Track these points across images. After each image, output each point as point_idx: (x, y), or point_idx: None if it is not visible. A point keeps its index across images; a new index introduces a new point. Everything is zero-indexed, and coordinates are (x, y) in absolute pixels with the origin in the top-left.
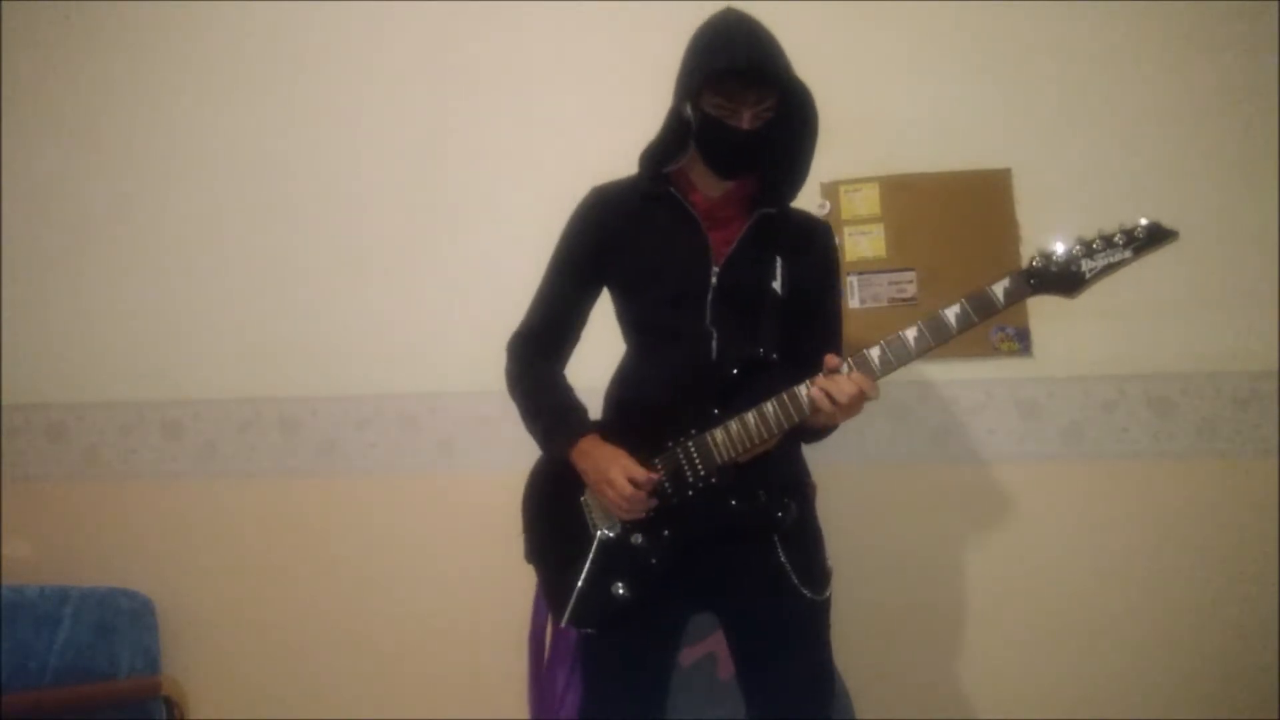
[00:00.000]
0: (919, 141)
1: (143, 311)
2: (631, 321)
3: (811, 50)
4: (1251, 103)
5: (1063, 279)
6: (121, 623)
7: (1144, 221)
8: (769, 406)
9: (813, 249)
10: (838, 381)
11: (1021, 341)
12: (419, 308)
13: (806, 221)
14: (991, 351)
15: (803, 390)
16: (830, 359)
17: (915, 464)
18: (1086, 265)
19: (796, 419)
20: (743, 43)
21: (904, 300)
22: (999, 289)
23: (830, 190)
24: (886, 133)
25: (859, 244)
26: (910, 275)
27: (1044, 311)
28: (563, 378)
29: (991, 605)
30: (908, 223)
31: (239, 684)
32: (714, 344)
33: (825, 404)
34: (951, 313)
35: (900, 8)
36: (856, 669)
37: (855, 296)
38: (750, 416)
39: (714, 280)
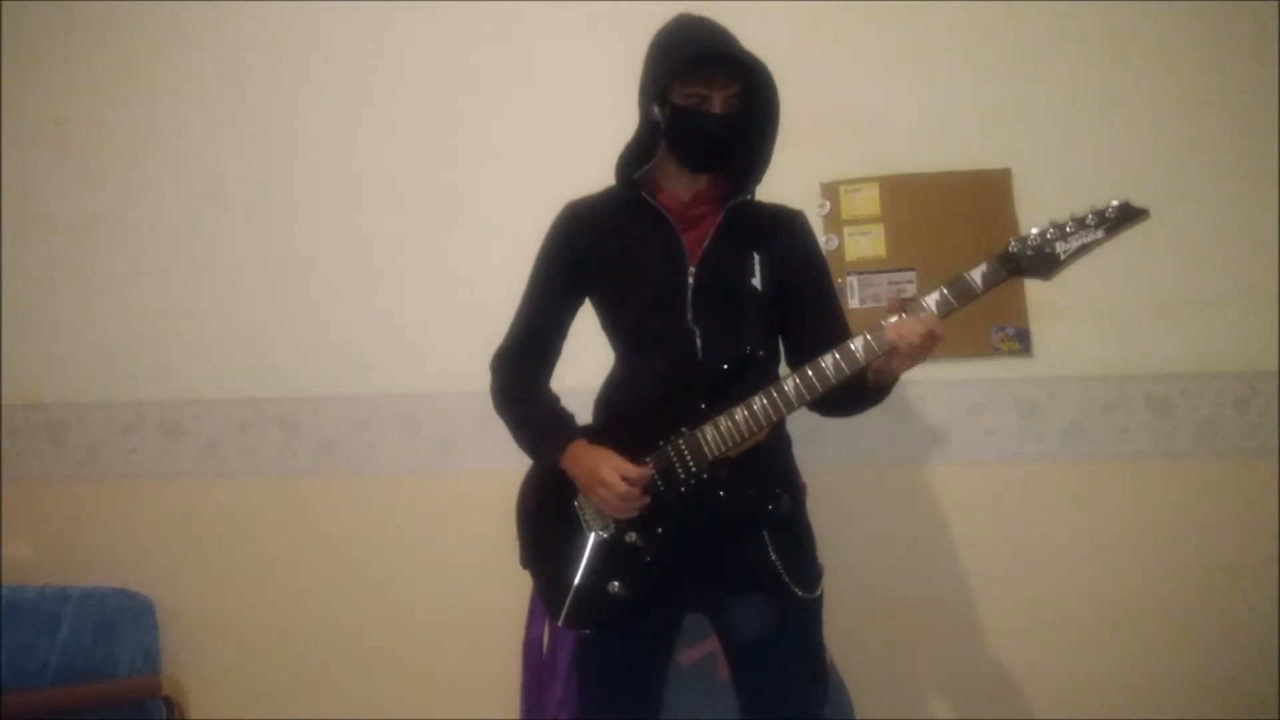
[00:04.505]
0: (919, 141)
1: (143, 311)
2: (615, 329)
3: (812, 50)
4: (1252, 102)
5: (1038, 261)
6: (121, 623)
7: (1115, 201)
8: (757, 401)
9: (786, 238)
10: (905, 323)
11: (1021, 341)
12: (419, 308)
13: (777, 213)
14: (991, 351)
15: (858, 343)
16: (893, 300)
17: (915, 464)
18: (1061, 247)
19: (785, 411)
20: (705, 33)
21: (905, 300)
22: (976, 274)
23: (830, 190)
24: (887, 133)
25: (859, 244)
26: (910, 275)
27: (1044, 311)
28: (547, 389)
29: (991, 605)
30: (908, 223)
31: (239, 684)
32: (698, 342)
33: (904, 345)
34: (932, 300)
35: (900, 7)
36: (856, 668)
37: (855, 296)
38: (739, 411)
39: (691, 279)
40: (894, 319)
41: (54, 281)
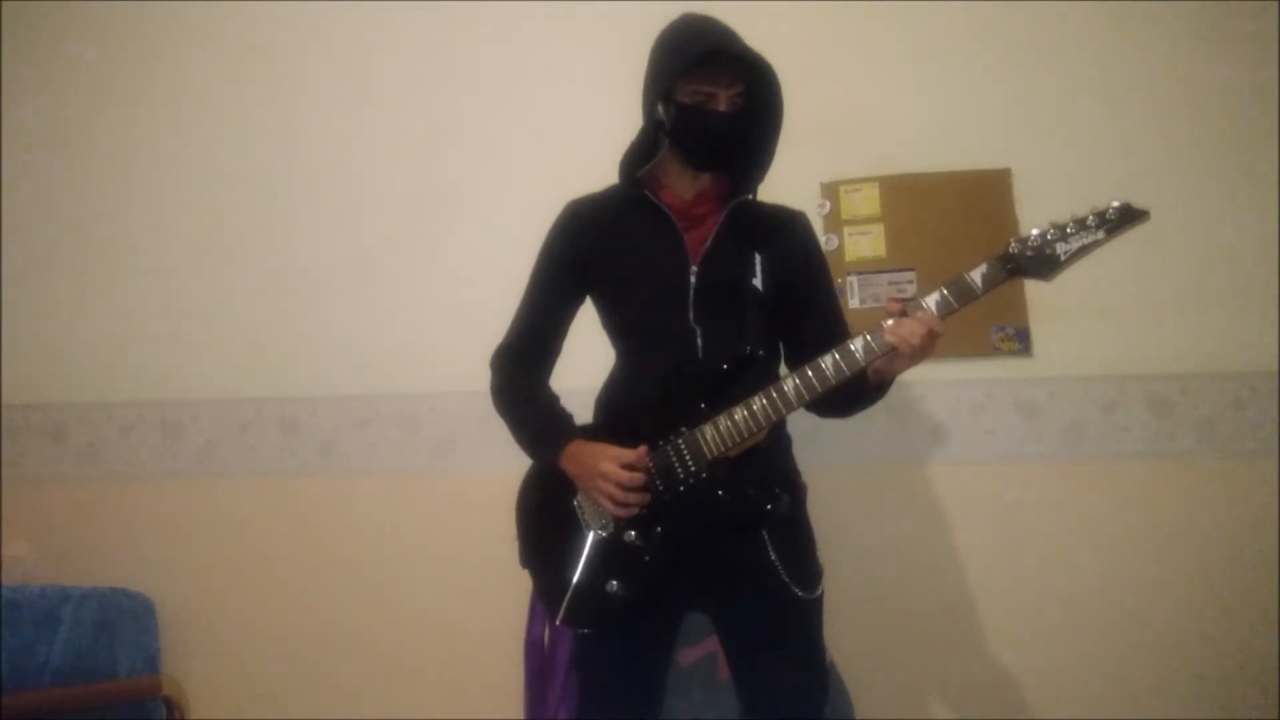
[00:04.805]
0: (919, 141)
1: (143, 311)
2: (616, 327)
3: (812, 50)
4: (1251, 102)
5: (1038, 262)
6: (121, 623)
7: (1115, 203)
8: (756, 401)
9: (788, 238)
10: (905, 324)
11: (1021, 341)
12: (419, 308)
13: (778, 213)
14: (991, 351)
15: (857, 344)
16: (892, 303)
17: (915, 464)
18: (1061, 248)
19: (784, 411)
20: (711, 31)
21: (904, 300)
22: (977, 275)
23: (830, 190)
24: (886, 133)
25: (859, 244)
26: (910, 275)
27: (1044, 311)
28: (547, 388)
29: (992, 605)
30: (908, 223)
31: (239, 684)
32: (699, 342)
33: (905, 347)
34: (931, 300)
35: (901, 8)
36: (857, 668)
37: (855, 296)
38: (739, 411)
39: (693, 279)
40: (893, 321)
41: (54, 281)
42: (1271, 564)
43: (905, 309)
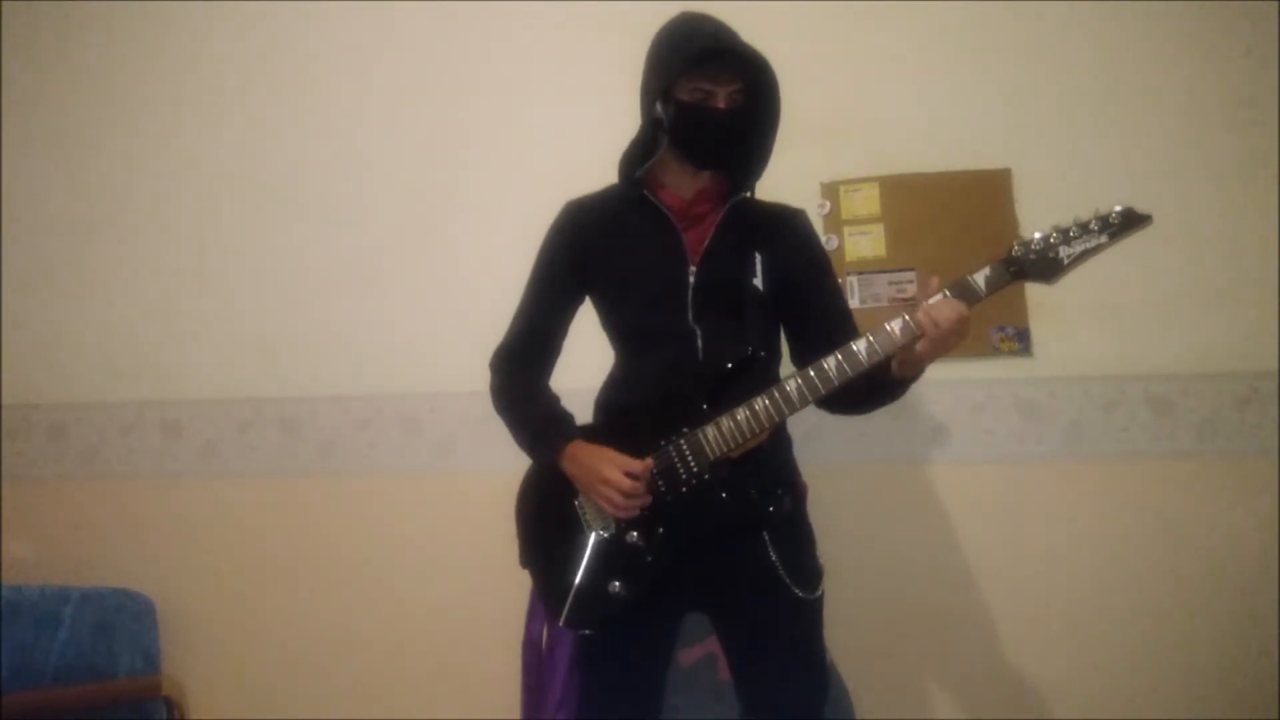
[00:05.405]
0: (919, 141)
1: (143, 311)
2: (616, 327)
3: (812, 51)
4: (1252, 102)
5: (1041, 266)
6: (121, 623)
7: (1118, 207)
8: (759, 401)
9: (789, 237)
10: (939, 306)
11: (1021, 341)
12: (419, 308)
13: (778, 211)
14: (991, 351)
15: (860, 345)
16: (931, 281)
17: (915, 464)
18: (1064, 252)
19: (787, 412)
20: (710, 29)
21: (904, 300)
22: (980, 277)
23: (830, 190)
24: (886, 133)
25: (859, 244)
26: (910, 275)
27: (1044, 311)
28: (547, 388)
29: (991, 605)
30: (908, 223)
31: (239, 684)
32: (699, 342)
33: (931, 329)
34: (934, 302)
35: (901, 8)
36: (856, 669)
37: (855, 296)
38: (741, 412)
39: (692, 279)
40: (936, 298)
41: (54, 281)
42: (1271, 564)
43: (906, 309)
